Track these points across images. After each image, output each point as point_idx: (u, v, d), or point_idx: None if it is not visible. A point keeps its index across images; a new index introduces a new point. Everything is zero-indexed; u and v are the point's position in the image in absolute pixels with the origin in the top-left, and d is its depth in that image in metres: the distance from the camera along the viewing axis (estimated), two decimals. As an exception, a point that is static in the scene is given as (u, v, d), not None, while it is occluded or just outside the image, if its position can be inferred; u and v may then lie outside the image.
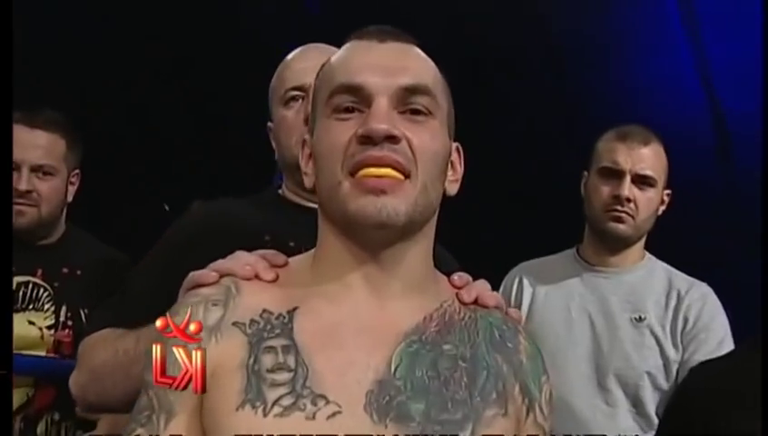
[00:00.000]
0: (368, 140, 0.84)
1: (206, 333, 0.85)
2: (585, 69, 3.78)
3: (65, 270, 1.81)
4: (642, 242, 1.78)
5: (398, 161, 0.84)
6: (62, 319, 1.78)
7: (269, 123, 1.42)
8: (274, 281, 0.90)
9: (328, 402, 0.80)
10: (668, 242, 1.86)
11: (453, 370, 0.86)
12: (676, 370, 1.63)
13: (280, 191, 1.40)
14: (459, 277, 0.98)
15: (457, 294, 0.95)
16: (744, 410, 1.02)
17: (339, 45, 1.00)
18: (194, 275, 0.93)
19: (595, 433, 1.58)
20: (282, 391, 0.80)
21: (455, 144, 0.95)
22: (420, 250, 0.90)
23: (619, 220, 1.71)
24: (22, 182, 1.74)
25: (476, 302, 0.95)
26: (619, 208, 1.70)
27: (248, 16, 3.18)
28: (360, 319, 0.86)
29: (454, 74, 0.96)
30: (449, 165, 0.92)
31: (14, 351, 1.62)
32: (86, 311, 1.79)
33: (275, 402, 0.80)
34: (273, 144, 1.41)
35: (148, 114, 3.22)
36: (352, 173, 0.84)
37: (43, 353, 1.74)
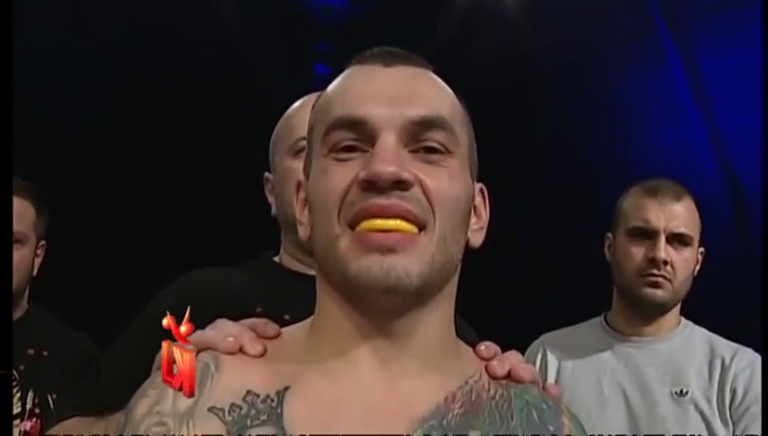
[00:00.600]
0: (371, 186, 0.68)
1: (176, 421, 0.68)
2: (599, 143, 3.77)
3: (31, 351, 1.65)
4: (678, 308, 1.61)
5: (410, 210, 0.69)
6: (29, 406, 1.61)
7: (266, 174, 1.28)
8: (261, 355, 0.74)
9: None
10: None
11: None
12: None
13: (276, 257, 1.26)
14: (487, 347, 0.81)
15: (486, 367, 0.78)
16: None
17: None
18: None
19: None
20: None
21: (478, 185, 0.79)
22: (439, 316, 0.74)
23: (656, 285, 1.54)
24: None
25: (508, 375, 0.78)
26: (656, 272, 1.54)
27: (255, 78, 3.16)
28: (366, 401, 0.69)
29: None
30: (472, 211, 0.77)
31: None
32: (54, 396, 1.62)
33: None
34: (270, 198, 1.27)
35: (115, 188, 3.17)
36: (352, 226, 0.69)
37: (10, 445, 1.57)
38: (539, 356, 1.65)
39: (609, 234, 1.66)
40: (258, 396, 0.69)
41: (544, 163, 3.48)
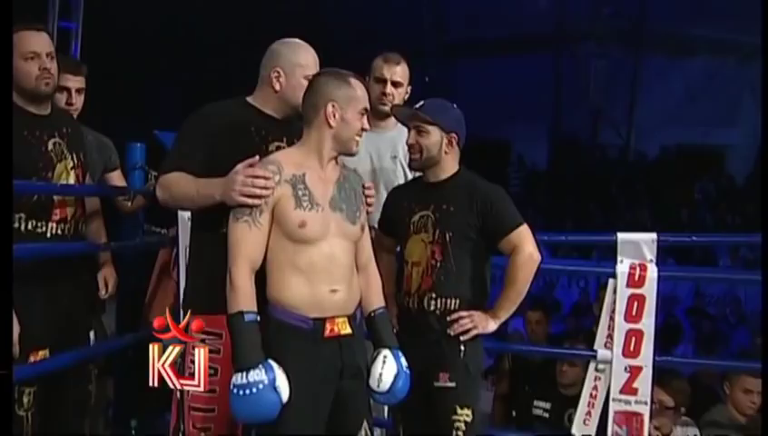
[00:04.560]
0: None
1: (279, 183, 2.26)
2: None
3: (65, 130, 2.77)
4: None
5: None
6: (76, 161, 2.80)
7: (278, 69, 2.53)
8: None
9: (321, 205, 2.30)
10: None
11: (350, 194, 2.40)
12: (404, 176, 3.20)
13: (249, 99, 2.58)
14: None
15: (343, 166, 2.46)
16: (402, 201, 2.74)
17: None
18: (262, 161, 2.30)
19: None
20: (307, 203, 2.27)
21: None
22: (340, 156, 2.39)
23: (385, 105, 3.18)
24: (45, 63, 2.62)
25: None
26: (384, 99, 3.17)
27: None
28: (323, 177, 2.35)
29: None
30: None
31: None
32: (81, 154, 2.86)
33: (305, 206, 2.27)
34: (279, 82, 2.53)
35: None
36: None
37: (72, 181, 2.77)
38: None
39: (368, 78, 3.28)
40: (296, 175, 2.30)
41: None
